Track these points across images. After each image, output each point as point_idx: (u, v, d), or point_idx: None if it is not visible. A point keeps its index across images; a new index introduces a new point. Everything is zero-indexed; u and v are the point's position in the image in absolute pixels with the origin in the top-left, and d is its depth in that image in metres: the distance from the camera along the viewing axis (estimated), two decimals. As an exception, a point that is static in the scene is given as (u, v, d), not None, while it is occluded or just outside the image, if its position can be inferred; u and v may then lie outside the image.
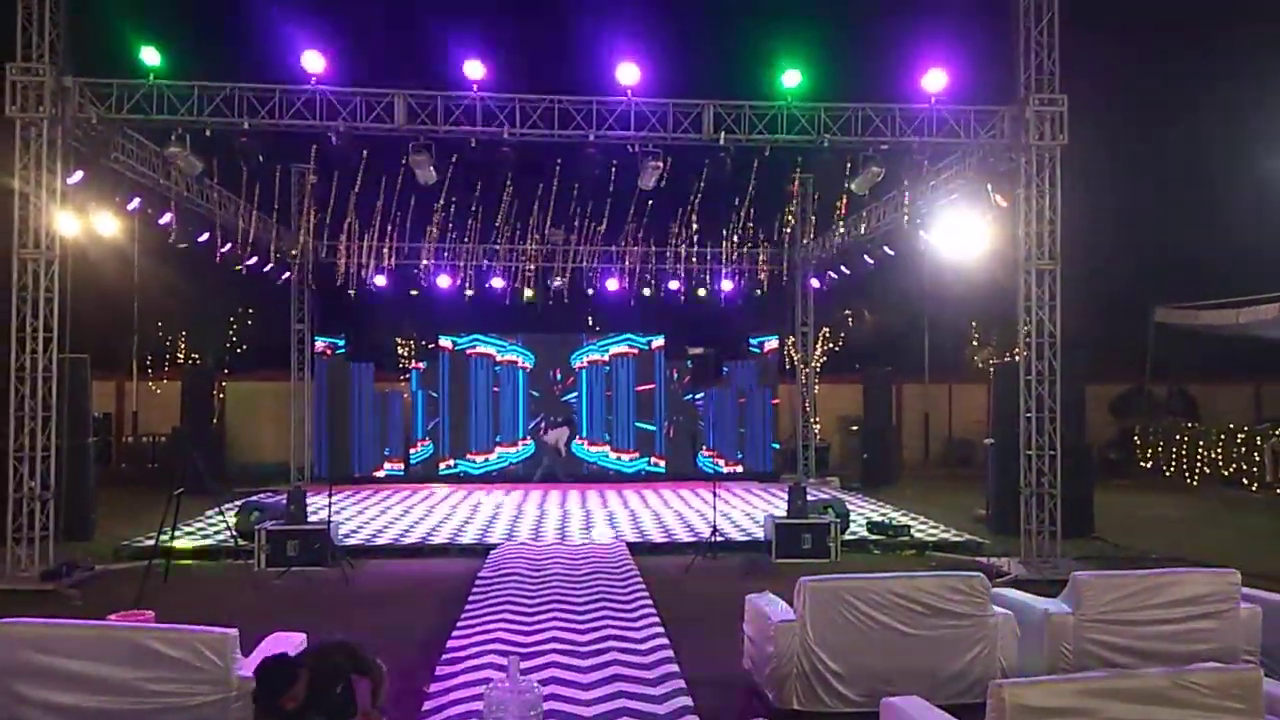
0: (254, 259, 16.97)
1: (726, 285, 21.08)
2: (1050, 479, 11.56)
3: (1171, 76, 24.26)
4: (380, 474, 20.42)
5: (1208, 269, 22.60)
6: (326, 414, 20.19)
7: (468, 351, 20.88)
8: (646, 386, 21.09)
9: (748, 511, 15.81)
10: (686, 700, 6.44)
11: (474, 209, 18.32)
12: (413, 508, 16.45)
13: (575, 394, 21.09)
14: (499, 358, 20.97)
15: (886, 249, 16.40)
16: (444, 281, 20.42)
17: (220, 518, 12.61)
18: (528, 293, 20.32)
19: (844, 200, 16.56)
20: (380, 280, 20.02)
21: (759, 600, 6.96)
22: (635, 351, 21.14)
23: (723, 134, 11.83)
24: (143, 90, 11.18)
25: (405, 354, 26.66)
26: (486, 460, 20.75)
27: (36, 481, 10.67)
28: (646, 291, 21.08)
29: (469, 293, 20.30)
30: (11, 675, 5.33)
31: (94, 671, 5.30)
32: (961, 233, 14.42)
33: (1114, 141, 21.13)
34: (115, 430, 23.06)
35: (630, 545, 12.54)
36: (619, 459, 21.01)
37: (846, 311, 27.39)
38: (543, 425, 20.87)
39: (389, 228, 18.58)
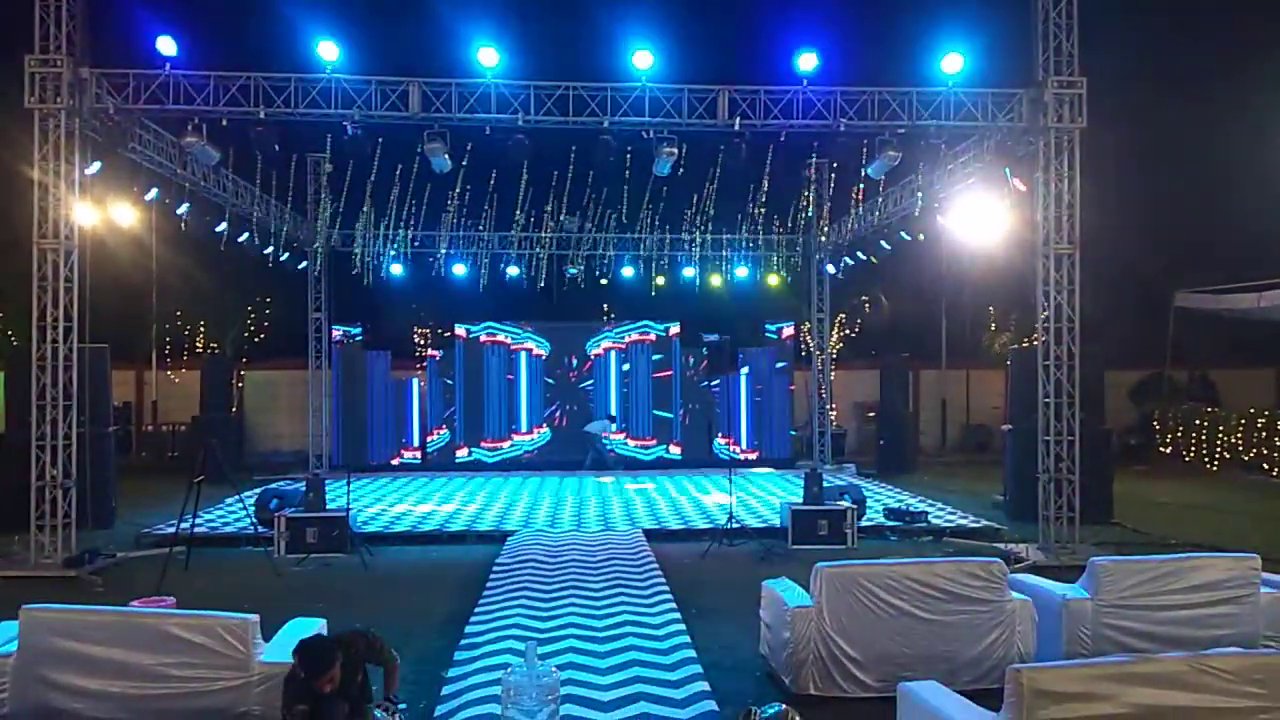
0: (270, 248, 17.07)
1: (742, 271, 21.04)
2: (1069, 464, 11.49)
3: (1192, 58, 23.98)
4: (396, 462, 20.53)
5: (1229, 253, 22.36)
6: (343, 402, 20.30)
7: (482, 339, 20.91)
8: (663, 374, 21.09)
9: (763, 498, 15.80)
10: (703, 685, 6.47)
11: (489, 197, 18.32)
12: (430, 495, 16.53)
13: (591, 381, 21.11)
14: (514, 345, 21.00)
15: (903, 234, 16.30)
16: (459, 269, 20.48)
17: (240, 505, 12.71)
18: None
19: (860, 185, 16.45)
20: (396, 269, 20.12)
21: (776, 586, 6.96)
22: (652, 338, 21.12)
23: (738, 119, 11.77)
24: (159, 80, 11.22)
25: (421, 342, 26.78)
26: (501, 448, 20.82)
27: (58, 470, 10.79)
28: (662, 279, 21.04)
29: (484, 281, 20.34)
30: (39, 660, 5.41)
31: (118, 657, 5.37)
32: (979, 217, 14.33)
33: (1134, 124, 20.90)
34: (135, 419, 23.29)
35: (647, 532, 12.57)
36: (636, 446, 21.03)
37: (863, 297, 27.26)
38: (557, 414, 20.90)
39: (405, 216, 18.61)
